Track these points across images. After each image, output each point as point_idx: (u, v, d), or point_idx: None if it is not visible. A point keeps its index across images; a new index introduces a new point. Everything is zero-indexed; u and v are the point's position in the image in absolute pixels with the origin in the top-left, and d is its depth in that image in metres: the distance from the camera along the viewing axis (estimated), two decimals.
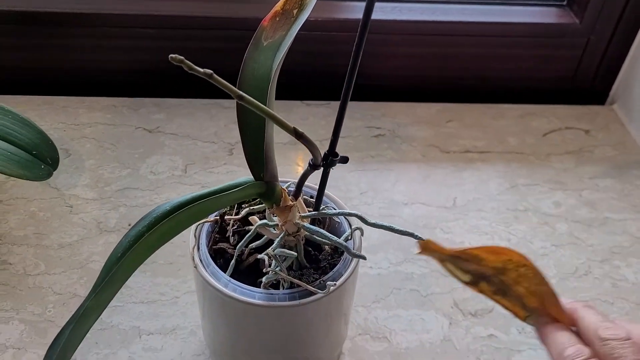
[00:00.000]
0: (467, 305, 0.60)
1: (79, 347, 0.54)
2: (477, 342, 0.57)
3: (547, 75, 0.87)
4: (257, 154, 0.41)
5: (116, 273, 0.37)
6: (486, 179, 0.75)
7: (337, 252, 0.47)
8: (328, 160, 0.39)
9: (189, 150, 0.76)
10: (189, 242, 0.46)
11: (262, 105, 0.34)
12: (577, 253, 0.66)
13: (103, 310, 0.38)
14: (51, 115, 0.79)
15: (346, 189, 0.72)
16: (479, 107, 0.86)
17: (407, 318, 0.59)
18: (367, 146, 0.78)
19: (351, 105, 0.83)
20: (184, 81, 0.84)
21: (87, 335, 0.55)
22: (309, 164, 0.39)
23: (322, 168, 0.40)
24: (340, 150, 0.81)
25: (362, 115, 0.83)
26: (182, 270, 0.62)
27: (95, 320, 0.38)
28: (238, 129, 0.41)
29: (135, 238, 0.38)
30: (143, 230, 0.38)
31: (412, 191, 0.72)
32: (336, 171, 0.74)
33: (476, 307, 0.60)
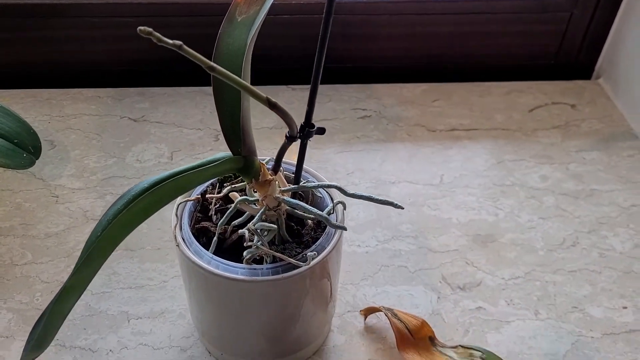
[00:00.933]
0: (455, 280, 0.60)
1: (67, 334, 0.54)
2: (466, 314, 0.57)
3: (532, 52, 0.87)
4: (234, 129, 0.41)
5: (95, 251, 0.37)
6: (473, 155, 0.75)
7: (320, 226, 0.47)
8: (305, 131, 0.39)
9: (175, 138, 0.76)
10: (171, 222, 0.46)
11: (234, 76, 0.34)
12: (564, 225, 0.66)
13: (83, 290, 0.38)
14: (35, 108, 0.79)
15: (333, 170, 0.72)
16: (465, 85, 0.86)
17: (395, 294, 0.59)
18: (353, 128, 0.78)
19: (337, 88, 0.84)
20: (168, 70, 0.84)
21: (76, 321, 0.55)
22: (286, 135, 0.39)
23: (299, 140, 0.40)
24: (326, 132, 0.82)
25: (348, 97, 0.83)
26: (169, 255, 0.61)
27: (76, 300, 0.37)
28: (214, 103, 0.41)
29: (114, 216, 0.38)
30: (121, 208, 0.38)
31: (399, 170, 0.72)
32: (322, 153, 0.74)
33: (464, 280, 0.60)
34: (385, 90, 0.84)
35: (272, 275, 0.42)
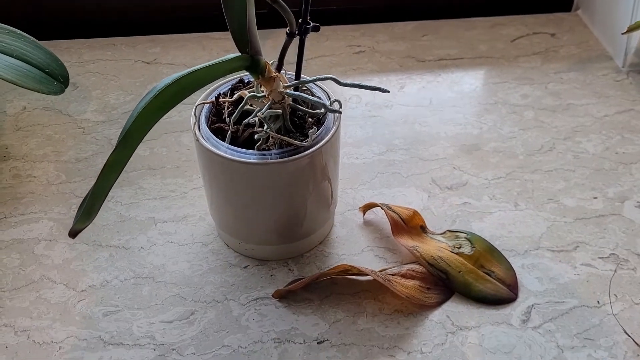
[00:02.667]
0: (443, 182, 0.67)
1: (102, 236, 0.61)
2: (453, 208, 0.64)
3: None
4: (241, 31, 0.48)
5: (130, 133, 0.44)
6: (459, 81, 0.81)
7: (320, 122, 0.54)
8: (302, 28, 0.46)
9: None
10: (190, 122, 0.53)
11: None
12: (542, 134, 0.73)
13: (123, 166, 0.45)
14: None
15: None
16: (453, 21, 0.92)
17: (390, 195, 0.66)
18: (349, 62, 0.85)
19: (333, 29, 0.90)
20: (176, 17, 0.90)
21: (109, 226, 0.63)
22: (286, 33, 0.46)
23: (297, 36, 0.46)
24: (324, 66, 0.88)
25: (343, 36, 0.89)
26: (188, 171, 0.69)
27: (118, 175, 0.45)
28: (222, 8, 0.47)
29: (145, 104, 0.45)
30: (149, 99, 0.45)
31: (392, 96, 0.79)
32: (321, 83, 0.81)
33: (452, 182, 0.67)
34: (377, 28, 0.91)
35: (280, 158, 0.50)
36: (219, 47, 0.87)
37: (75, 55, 0.86)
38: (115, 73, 0.83)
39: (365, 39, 0.89)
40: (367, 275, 0.55)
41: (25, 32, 0.66)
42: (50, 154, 0.71)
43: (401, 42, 0.88)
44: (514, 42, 0.88)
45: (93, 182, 0.68)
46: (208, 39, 0.89)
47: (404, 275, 0.55)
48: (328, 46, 0.87)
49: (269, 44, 0.87)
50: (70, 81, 0.81)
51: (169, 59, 0.86)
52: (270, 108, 0.50)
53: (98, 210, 0.46)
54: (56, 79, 0.64)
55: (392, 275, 0.55)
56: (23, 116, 0.76)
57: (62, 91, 0.65)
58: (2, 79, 0.59)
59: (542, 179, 0.67)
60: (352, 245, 0.61)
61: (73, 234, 0.46)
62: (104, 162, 0.68)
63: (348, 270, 0.55)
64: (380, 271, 0.55)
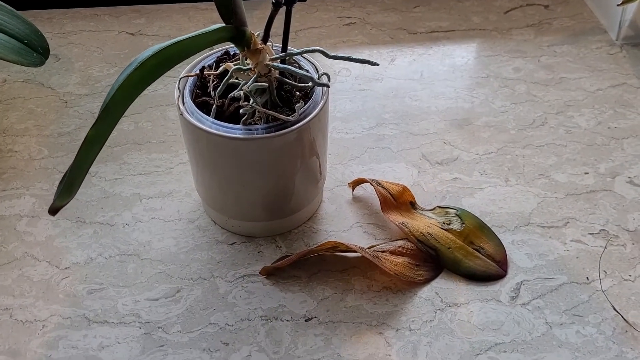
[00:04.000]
0: (434, 157, 0.66)
1: (86, 212, 0.60)
2: (443, 184, 0.63)
3: None
4: (226, 1, 0.46)
5: (110, 106, 0.43)
6: (451, 54, 0.80)
7: (308, 96, 0.52)
8: None
9: None
10: (174, 95, 0.52)
11: None
12: (534, 108, 0.72)
13: (103, 142, 0.43)
14: (37, 26, 0.83)
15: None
16: None
17: (380, 170, 0.65)
18: (339, 33, 0.83)
19: (322, 0, 0.88)
20: None
21: (93, 202, 0.61)
22: (272, 2, 0.44)
23: (284, 5, 0.45)
24: (313, 38, 0.86)
25: (333, 7, 0.87)
26: (173, 146, 0.67)
27: (98, 151, 0.43)
28: None
29: (126, 77, 0.43)
30: (131, 72, 0.43)
31: (382, 69, 0.78)
32: (311, 55, 0.79)
33: (442, 157, 0.66)
34: None
35: (266, 133, 0.48)
36: (206, 19, 0.85)
37: (57, 25, 0.84)
38: (98, 45, 0.81)
39: (356, 10, 0.87)
40: (355, 252, 0.54)
41: (2, 1, 0.63)
42: (32, 128, 0.69)
43: (392, 14, 0.86)
44: (507, 14, 0.86)
45: None
46: (194, 9, 0.87)
47: (392, 252, 0.54)
48: (317, 17, 0.85)
49: (257, 15, 0.85)
50: (51, 53, 0.79)
51: (154, 30, 0.83)
52: (256, 81, 0.48)
53: (79, 187, 0.44)
54: (35, 50, 0.62)
55: (381, 252, 0.54)
56: (3, 89, 0.74)
57: (42, 63, 0.63)
58: None
59: (533, 154, 0.66)
60: (340, 222, 0.60)
61: (53, 211, 0.44)
62: None
63: (336, 247, 0.55)
64: (369, 248, 0.55)
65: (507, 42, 0.81)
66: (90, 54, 0.79)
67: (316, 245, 0.55)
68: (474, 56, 0.79)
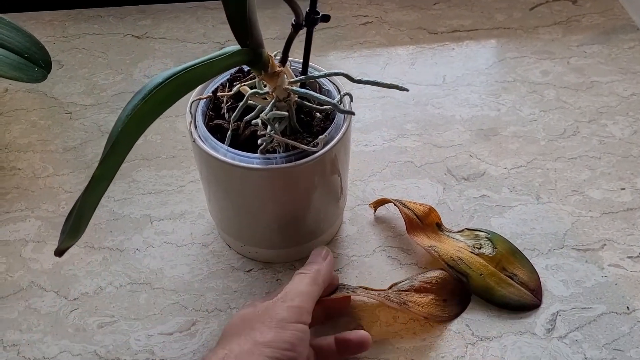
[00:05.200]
0: (459, 171, 0.62)
1: (95, 237, 0.57)
2: (471, 202, 0.60)
3: None
4: (242, 23, 0.42)
5: (117, 144, 0.39)
6: (474, 55, 0.75)
7: (329, 118, 0.49)
8: (310, 18, 0.40)
9: (180, 52, 0.76)
10: (186, 119, 0.48)
11: None
12: (565, 116, 0.68)
13: (111, 179, 0.40)
14: (39, 29, 0.80)
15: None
16: None
17: (403, 187, 0.61)
18: (355, 34, 0.79)
19: None
20: None
21: (102, 225, 0.58)
22: (292, 24, 0.41)
23: (305, 28, 0.41)
24: (328, 40, 0.82)
25: (348, 5, 0.83)
26: (184, 162, 0.64)
27: (105, 189, 0.40)
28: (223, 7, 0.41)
29: (132, 110, 0.39)
30: (138, 103, 0.40)
31: (402, 73, 0.74)
32: (326, 59, 0.75)
33: (469, 172, 0.62)
34: None
35: (286, 162, 0.45)
36: (215, 19, 0.81)
37: (59, 28, 0.80)
38: (103, 49, 0.77)
39: (372, 8, 0.82)
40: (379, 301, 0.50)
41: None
42: (36, 143, 0.66)
43: (411, 12, 0.82)
44: (533, 10, 0.81)
45: (82, 175, 0.63)
46: (203, 8, 0.83)
47: (417, 290, 0.51)
48: (332, 16, 0.80)
49: (267, 15, 0.80)
50: (54, 59, 0.76)
51: (161, 32, 0.79)
52: (275, 106, 0.45)
53: (86, 226, 0.41)
54: (37, 64, 0.58)
55: (405, 292, 0.51)
56: (5, 99, 0.71)
57: (44, 77, 0.59)
58: None
59: (565, 167, 0.62)
60: (362, 245, 0.57)
61: (59, 252, 0.41)
62: (94, 151, 0.63)
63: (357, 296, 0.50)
64: (391, 287, 0.51)
65: (533, 42, 0.77)
66: (94, 60, 0.75)
67: (331, 295, 0.49)
68: (498, 58, 0.75)
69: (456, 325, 0.51)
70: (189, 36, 0.78)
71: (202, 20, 0.81)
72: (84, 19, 0.81)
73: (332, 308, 0.50)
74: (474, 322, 0.51)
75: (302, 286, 0.44)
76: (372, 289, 0.50)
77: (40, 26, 0.80)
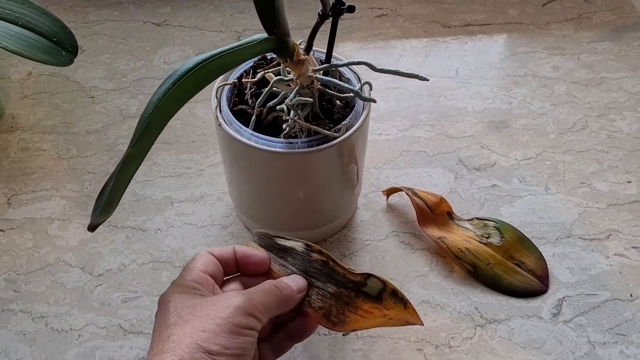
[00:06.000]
0: (471, 162, 0.64)
1: (118, 216, 0.59)
2: (481, 191, 0.62)
3: None
4: (270, 12, 0.44)
5: (150, 125, 0.41)
6: (487, 49, 0.77)
7: (349, 106, 0.51)
8: (336, 9, 0.42)
9: (198, 40, 0.78)
10: (211, 103, 0.50)
11: None
12: (574, 110, 0.69)
13: (143, 158, 0.42)
14: (60, 15, 0.80)
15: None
16: None
17: (415, 175, 0.63)
18: (370, 26, 0.80)
19: None
20: None
21: (124, 206, 0.60)
22: (319, 14, 0.42)
23: (330, 18, 0.43)
24: (344, 32, 0.83)
25: None
26: (203, 147, 0.66)
27: (138, 167, 0.42)
28: None
29: (163, 94, 0.41)
30: (170, 86, 0.42)
31: (416, 65, 0.75)
32: (342, 50, 0.77)
33: (480, 162, 0.64)
34: None
35: (308, 147, 0.47)
36: (232, 8, 0.82)
37: (81, 15, 0.82)
38: (123, 35, 0.79)
39: (387, 0, 0.84)
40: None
41: None
42: (60, 125, 0.68)
43: (425, 5, 0.83)
44: (545, 7, 0.83)
45: (105, 157, 0.65)
46: None
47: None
48: None
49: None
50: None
51: (180, 20, 0.81)
52: (299, 93, 0.47)
53: (117, 203, 0.43)
54: (64, 48, 0.60)
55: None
56: (29, 82, 0.73)
57: (71, 61, 0.61)
58: (7, 50, 0.55)
59: (574, 160, 0.64)
60: (376, 230, 0.59)
61: (92, 227, 0.43)
62: (116, 134, 0.65)
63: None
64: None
65: (545, 38, 0.78)
66: (115, 46, 0.77)
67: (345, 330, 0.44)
68: (510, 52, 0.76)
69: (466, 307, 0.53)
70: (207, 24, 0.80)
71: (220, 9, 0.82)
72: (105, 6, 0.83)
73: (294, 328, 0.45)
74: (482, 305, 0.53)
75: (268, 299, 0.40)
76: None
77: (62, 12, 0.82)
